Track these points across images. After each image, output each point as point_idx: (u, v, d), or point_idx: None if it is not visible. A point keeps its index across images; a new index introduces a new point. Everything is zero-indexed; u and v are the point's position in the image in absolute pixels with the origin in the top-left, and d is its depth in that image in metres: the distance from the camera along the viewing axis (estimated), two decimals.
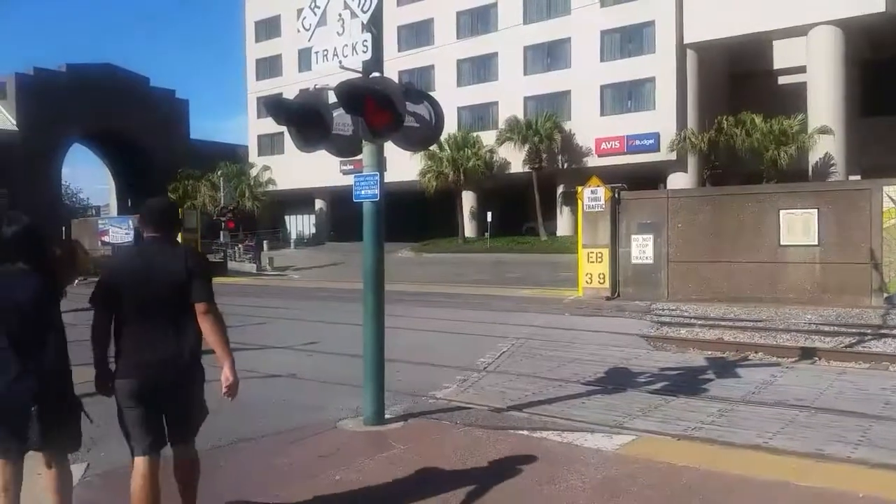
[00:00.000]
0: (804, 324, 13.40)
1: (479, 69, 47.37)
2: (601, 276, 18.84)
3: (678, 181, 38.63)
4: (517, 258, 36.44)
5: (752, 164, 36.20)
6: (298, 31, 6.49)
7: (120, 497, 4.64)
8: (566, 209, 43.05)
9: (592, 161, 41.23)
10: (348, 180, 7.29)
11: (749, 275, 17.01)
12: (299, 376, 8.98)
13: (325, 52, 6.29)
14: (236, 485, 4.85)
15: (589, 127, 41.66)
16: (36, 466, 3.67)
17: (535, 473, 4.95)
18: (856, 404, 7.15)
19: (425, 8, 48.01)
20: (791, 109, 36.43)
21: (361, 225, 6.34)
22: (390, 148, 6.38)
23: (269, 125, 50.01)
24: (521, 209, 45.57)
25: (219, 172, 48.85)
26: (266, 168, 52.61)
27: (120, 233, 37.79)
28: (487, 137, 43.98)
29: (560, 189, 43.64)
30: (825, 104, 35.58)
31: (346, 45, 6.11)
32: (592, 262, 18.98)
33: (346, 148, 6.62)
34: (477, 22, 47.20)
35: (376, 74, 6.04)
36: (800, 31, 36.28)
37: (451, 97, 41.94)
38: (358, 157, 6.57)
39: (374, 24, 6.02)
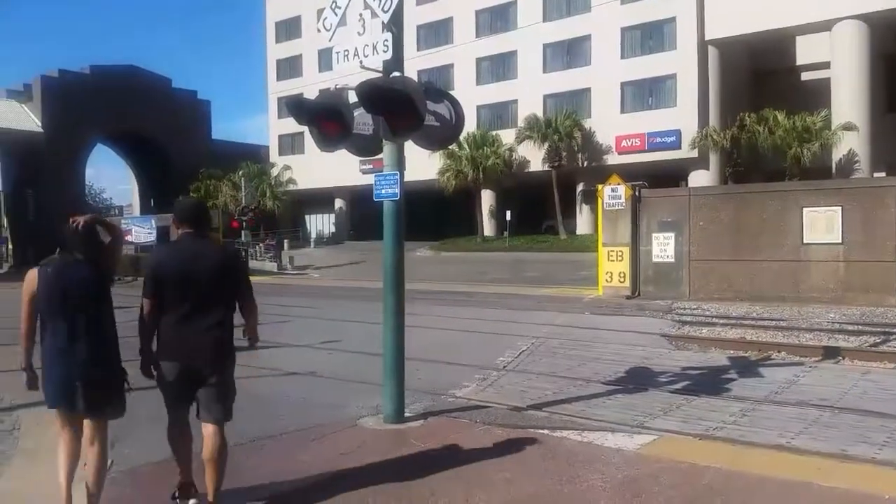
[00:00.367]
0: (827, 323, 13.24)
1: (499, 67, 47.26)
2: (621, 274, 18.74)
3: (700, 179, 38.28)
4: (536, 257, 36.34)
5: (775, 162, 35.77)
6: (319, 31, 6.54)
7: (144, 493, 4.73)
8: (586, 207, 42.84)
9: (612, 159, 40.98)
10: (368, 179, 7.33)
11: (771, 273, 16.83)
12: (319, 374, 9.05)
13: (346, 52, 6.33)
14: (259, 481, 4.90)
15: (609, 124, 41.41)
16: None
17: (556, 473, 4.94)
18: (881, 404, 7.05)
19: (444, 7, 47.97)
20: (814, 106, 35.94)
21: (380, 224, 6.36)
22: (409, 147, 6.39)
23: (290, 125, 50.34)
24: (540, 208, 45.41)
25: (240, 172, 49.14)
26: (287, 168, 52.91)
27: (143, 232, 38.15)
28: (507, 136, 43.87)
29: (580, 187, 43.44)
30: (849, 100, 35.06)
31: (367, 45, 6.14)
32: (613, 260, 18.88)
33: (366, 147, 6.66)
34: (496, 20, 47.09)
35: (397, 74, 6.07)
36: (823, 26, 35.77)
37: (470, 96, 41.89)
38: (377, 157, 6.60)
39: (395, 24, 6.04)
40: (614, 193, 18.79)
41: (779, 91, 39.22)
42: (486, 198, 46.41)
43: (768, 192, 18.27)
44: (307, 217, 60.30)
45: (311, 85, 44.10)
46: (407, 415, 6.48)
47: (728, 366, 9.35)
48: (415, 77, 6.84)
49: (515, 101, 45.81)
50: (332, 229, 57.99)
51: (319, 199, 55.87)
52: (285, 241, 47.03)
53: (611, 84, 41.60)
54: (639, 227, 18.65)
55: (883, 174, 32.25)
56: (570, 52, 44.08)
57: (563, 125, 40.97)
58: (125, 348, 4.17)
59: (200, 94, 59.05)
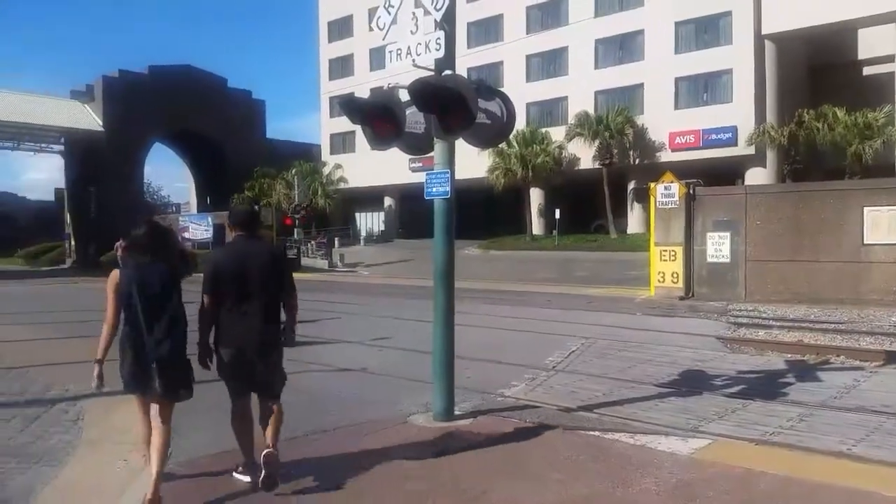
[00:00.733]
0: (889, 326, 12.79)
1: (549, 64, 46.89)
2: (674, 275, 18.42)
3: (756, 177, 37.35)
4: (586, 256, 35.98)
5: (835, 159, 34.67)
6: (372, 29, 6.62)
7: (200, 484, 4.86)
8: (637, 206, 42.20)
9: (666, 156, 40.27)
10: (417, 178, 7.37)
11: (830, 275, 16.34)
12: (370, 371, 9.14)
13: (399, 51, 6.37)
14: (312, 475, 4.97)
15: (662, 121, 40.71)
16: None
17: (608, 475, 4.89)
18: None
19: (495, 4, 47.84)
20: (876, 101, 34.70)
21: (429, 222, 6.38)
22: (458, 145, 6.39)
23: (341, 124, 51.07)
24: (590, 206, 44.89)
25: (293, 171, 49.90)
26: (338, 166, 53.51)
27: (199, 229, 39.11)
28: (556, 133, 43.51)
29: (631, 185, 42.80)
30: None
31: (420, 44, 6.17)
32: (665, 260, 18.57)
33: (417, 146, 6.69)
34: (547, 16, 46.73)
35: (449, 72, 6.08)
36: (887, 18, 34.47)
37: (519, 93, 41.69)
38: (427, 155, 6.62)
39: (448, 22, 6.06)
40: (667, 191, 18.48)
41: (838, 86, 37.98)
42: (535, 196, 46.13)
43: (828, 190, 17.70)
44: (357, 215, 60.91)
45: (362, 84, 44.59)
46: (457, 413, 6.50)
47: (785, 369, 9.10)
48: (464, 75, 6.82)
49: (566, 98, 45.40)
50: (382, 227, 58.45)
51: (369, 198, 56.38)
52: (336, 238, 47.61)
53: (664, 79, 40.89)
54: (693, 227, 18.29)
55: None
56: (622, 48, 43.47)
57: (615, 122, 40.45)
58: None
59: (255, 94, 60.09)
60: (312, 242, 44.10)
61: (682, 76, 40.68)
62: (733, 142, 38.40)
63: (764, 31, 38.05)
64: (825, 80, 40.31)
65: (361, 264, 40.03)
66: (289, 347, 4.79)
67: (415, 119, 6.34)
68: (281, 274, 4.70)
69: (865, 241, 15.87)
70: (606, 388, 8.01)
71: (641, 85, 42.22)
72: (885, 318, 13.68)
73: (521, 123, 41.70)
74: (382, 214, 58.45)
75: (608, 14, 43.32)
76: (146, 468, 4.93)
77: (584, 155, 42.45)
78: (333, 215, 54.72)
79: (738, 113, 38.29)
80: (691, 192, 18.39)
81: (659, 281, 18.76)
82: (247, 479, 4.70)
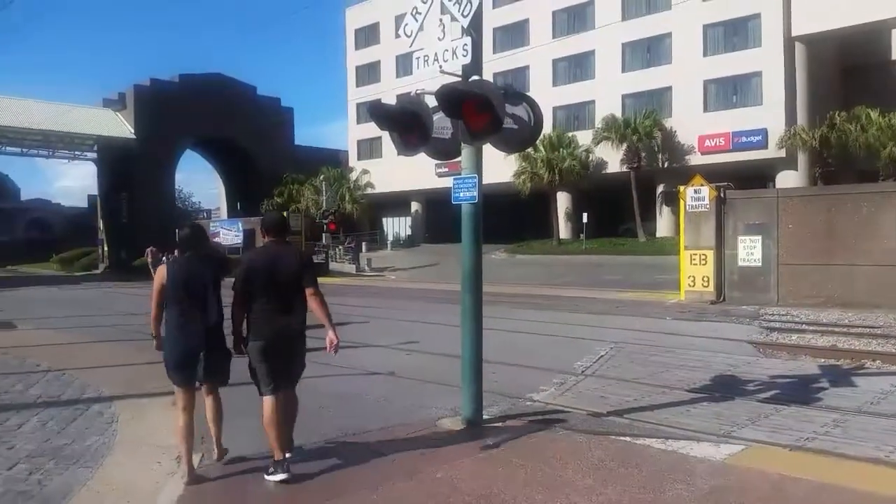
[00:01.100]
0: None
1: (576, 68, 46.72)
2: (705, 278, 18.21)
3: (788, 180, 36.79)
4: (614, 260, 35.72)
5: (868, 162, 34.03)
6: (398, 36, 6.67)
7: (231, 486, 4.92)
8: (666, 210, 41.83)
9: (695, 159, 39.85)
10: (443, 182, 7.40)
11: (864, 278, 16.02)
12: (399, 375, 9.16)
13: (426, 57, 6.40)
14: (342, 479, 5.01)
15: (691, 123, 40.29)
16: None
17: (640, 481, 4.84)
18: None
19: (521, 8, 47.81)
20: None
21: (455, 227, 6.40)
22: (484, 149, 6.40)
23: (368, 130, 51.39)
24: (618, 210, 44.59)
25: (321, 177, 50.30)
26: (365, 172, 53.81)
27: (230, 235, 39.49)
28: (583, 137, 43.28)
29: (660, 189, 42.44)
30: None
31: (447, 50, 6.19)
32: (695, 264, 18.37)
33: (445, 151, 6.71)
34: (573, 20, 46.57)
35: (476, 77, 6.09)
36: None
37: (546, 97, 41.59)
38: (454, 160, 6.63)
39: (474, 28, 6.08)
40: (697, 195, 18.29)
41: (871, 87, 37.27)
42: (563, 200, 45.93)
43: (861, 193, 17.39)
44: (384, 220, 61.19)
45: (389, 91, 44.88)
46: (485, 417, 6.49)
47: (819, 374, 8.95)
48: (490, 80, 6.83)
49: (592, 102, 45.18)
50: (409, 232, 58.64)
51: (396, 203, 56.62)
52: (363, 243, 47.84)
53: (693, 82, 40.51)
54: (724, 230, 18.08)
55: None
56: (650, 51, 43.16)
57: (643, 125, 40.14)
58: None
59: (283, 102, 60.70)
60: (340, 247, 44.38)
61: (710, 79, 40.27)
62: (763, 144, 37.90)
63: (794, 33, 37.54)
64: (858, 82, 39.60)
65: (389, 269, 40.18)
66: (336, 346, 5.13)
67: (442, 124, 6.36)
68: (308, 274, 5.16)
69: None
70: (637, 393, 7.94)
71: (669, 88, 41.87)
72: None
73: (547, 127, 41.53)
74: (409, 219, 58.63)
75: (635, 17, 43.05)
76: (179, 469, 5.04)
77: (612, 158, 42.20)
78: (361, 220, 55.03)
79: (769, 115, 37.78)
80: (722, 195, 18.17)
81: (689, 285, 18.56)
82: (281, 476, 4.87)
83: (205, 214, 65.56)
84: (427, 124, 6.16)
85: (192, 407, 5.03)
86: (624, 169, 41.48)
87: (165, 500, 4.63)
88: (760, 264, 17.47)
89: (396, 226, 60.99)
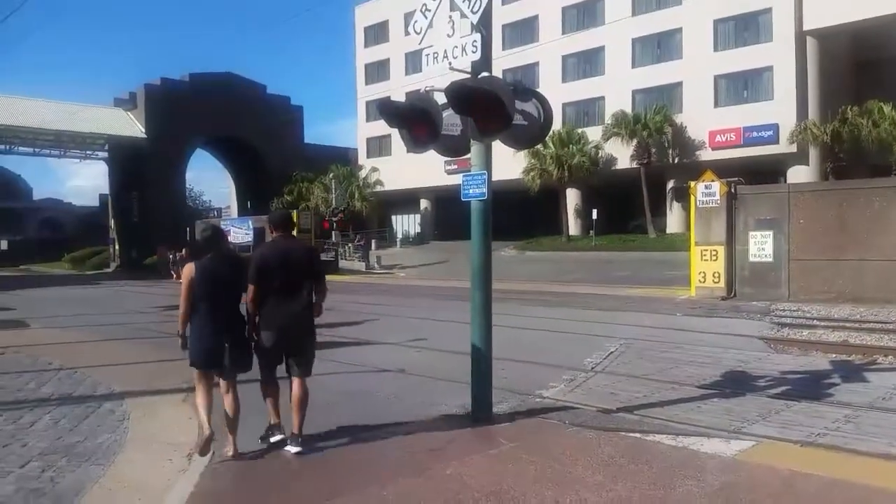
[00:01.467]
0: None
1: (585, 64, 46.54)
2: (715, 274, 18.14)
3: (799, 175, 36.56)
4: (624, 256, 35.61)
5: (880, 157, 33.75)
6: (408, 34, 6.66)
7: (241, 483, 4.95)
8: (676, 205, 41.64)
9: (705, 155, 39.61)
10: (452, 180, 7.39)
11: (876, 274, 15.92)
12: (409, 371, 9.17)
13: (436, 54, 6.39)
14: (351, 475, 5.03)
15: (702, 119, 40.07)
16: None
17: (650, 478, 4.83)
18: None
19: (530, 5, 47.65)
20: None
21: (465, 224, 6.40)
22: (493, 146, 6.40)
23: (377, 128, 51.41)
24: (627, 206, 44.42)
25: (330, 175, 50.35)
26: (374, 169, 53.82)
27: (240, 233, 39.56)
28: (593, 133, 43.16)
29: (670, 184, 42.23)
30: None
31: (456, 47, 6.19)
32: (706, 260, 18.30)
33: (454, 148, 6.70)
34: (583, 16, 46.38)
35: (485, 74, 6.08)
36: None
37: (555, 93, 41.45)
38: (463, 157, 6.63)
39: (484, 25, 6.07)
40: (708, 190, 18.21)
41: (884, 82, 36.90)
42: (572, 196, 45.81)
43: (873, 188, 17.25)
44: (393, 217, 61.23)
45: (398, 88, 44.84)
46: (495, 413, 6.50)
47: (830, 370, 8.90)
48: (500, 76, 6.82)
49: (602, 98, 45.03)
50: (418, 229, 58.65)
51: (405, 200, 56.64)
52: (373, 241, 47.91)
53: (704, 77, 40.27)
54: (734, 226, 17.99)
55: None
56: (660, 46, 42.94)
57: (653, 121, 39.96)
58: None
59: (293, 101, 60.78)
60: (350, 245, 44.46)
61: (721, 74, 40.02)
62: (775, 139, 37.65)
63: (805, 28, 37.28)
64: (870, 76, 39.25)
65: (398, 266, 40.22)
66: (317, 316, 5.62)
67: (451, 121, 6.36)
68: (315, 267, 5.60)
69: None
70: (647, 389, 7.92)
71: (680, 83, 41.66)
72: None
73: (557, 124, 41.36)
74: (418, 216, 58.65)
75: (645, 13, 42.85)
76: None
77: (622, 154, 42.05)
78: (370, 218, 55.10)
79: (780, 110, 37.53)
80: (733, 190, 18.09)
81: (700, 281, 18.49)
82: (278, 437, 5.56)
83: (215, 213, 65.77)
84: (437, 121, 6.15)
85: (210, 387, 5.40)
86: (634, 165, 41.33)
87: (176, 496, 4.66)
88: (771, 260, 17.38)
89: (406, 223, 61.01)
